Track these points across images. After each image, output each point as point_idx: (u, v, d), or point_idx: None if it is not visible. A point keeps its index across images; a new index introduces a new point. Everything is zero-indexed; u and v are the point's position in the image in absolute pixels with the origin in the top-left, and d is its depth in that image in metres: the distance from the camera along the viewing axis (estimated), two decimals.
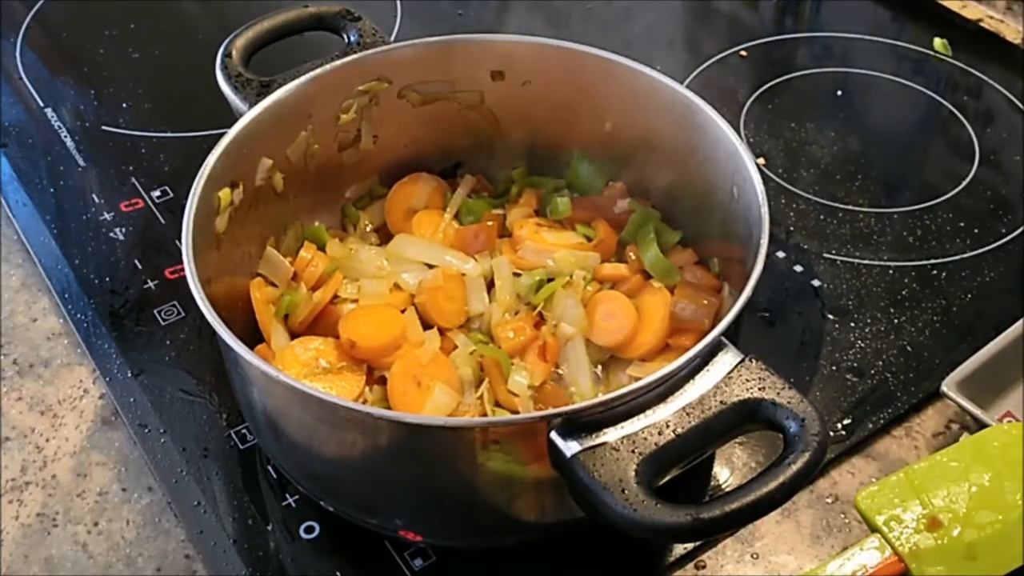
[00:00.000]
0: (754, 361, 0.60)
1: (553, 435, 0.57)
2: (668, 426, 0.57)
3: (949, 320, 0.85)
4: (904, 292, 0.87)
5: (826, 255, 0.90)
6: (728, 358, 0.60)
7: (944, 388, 0.74)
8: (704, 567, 0.69)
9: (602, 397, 0.57)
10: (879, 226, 0.93)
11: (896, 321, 0.85)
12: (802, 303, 0.86)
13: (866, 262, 0.90)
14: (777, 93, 1.09)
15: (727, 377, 0.59)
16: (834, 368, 0.81)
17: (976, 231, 0.93)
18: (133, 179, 0.98)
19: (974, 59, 1.12)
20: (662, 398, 0.58)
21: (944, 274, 0.89)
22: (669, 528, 0.54)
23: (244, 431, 0.76)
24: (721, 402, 0.58)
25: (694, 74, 1.10)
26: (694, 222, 0.80)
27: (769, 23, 1.19)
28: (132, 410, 0.78)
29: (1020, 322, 0.77)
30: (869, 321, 0.84)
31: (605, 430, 0.57)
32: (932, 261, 0.90)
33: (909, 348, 0.82)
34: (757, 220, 0.67)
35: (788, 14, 1.21)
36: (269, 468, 0.74)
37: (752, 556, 0.70)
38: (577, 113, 0.83)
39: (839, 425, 0.77)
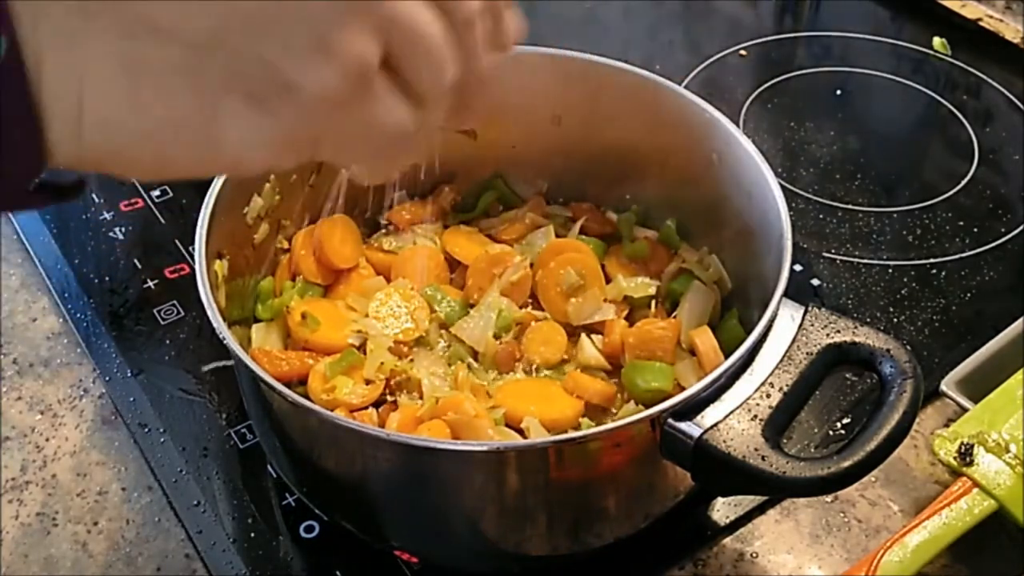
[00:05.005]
0: (817, 308, 0.63)
1: (670, 425, 0.58)
2: (773, 387, 0.60)
3: (948, 319, 0.85)
4: (903, 291, 0.87)
5: (825, 254, 0.91)
6: (794, 312, 0.63)
7: (943, 387, 0.74)
8: (704, 566, 0.69)
9: (705, 381, 0.59)
10: (878, 225, 0.93)
11: (895, 320, 0.85)
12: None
13: (865, 261, 0.90)
14: (776, 92, 1.09)
15: (801, 329, 0.62)
16: None
17: (975, 230, 0.93)
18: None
19: (973, 58, 1.12)
20: (745, 367, 0.60)
21: (943, 273, 0.89)
22: (823, 481, 0.56)
23: (244, 430, 0.76)
24: (808, 353, 0.61)
25: (694, 73, 1.10)
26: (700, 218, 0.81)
27: (769, 22, 1.19)
28: (132, 410, 0.78)
29: (1019, 321, 0.77)
30: (868, 320, 0.84)
31: (708, 409, 0.58)
32: (931, 260, 0.90)
33: (908, 347, 0.82)
34: (776, 218, 0.70)
35: (788, 13, 1.21)
36: (269, 468, 0.74)
37: (752, 555, 0.70)
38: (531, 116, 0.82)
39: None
